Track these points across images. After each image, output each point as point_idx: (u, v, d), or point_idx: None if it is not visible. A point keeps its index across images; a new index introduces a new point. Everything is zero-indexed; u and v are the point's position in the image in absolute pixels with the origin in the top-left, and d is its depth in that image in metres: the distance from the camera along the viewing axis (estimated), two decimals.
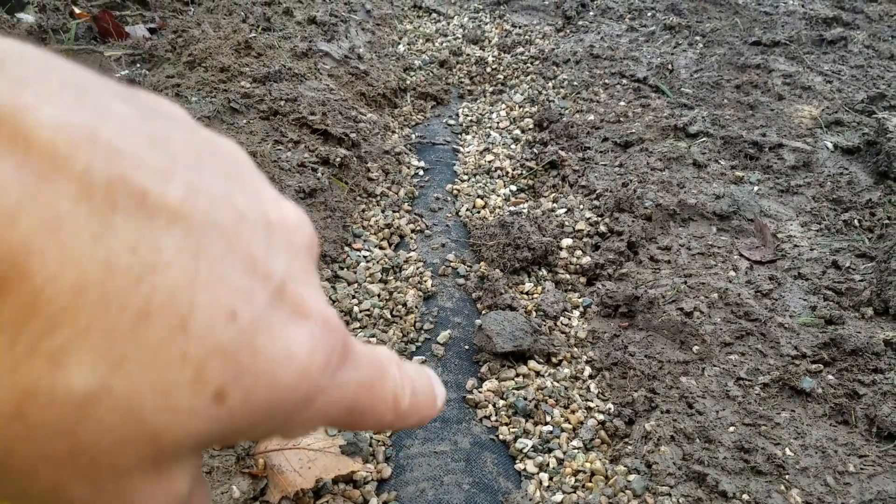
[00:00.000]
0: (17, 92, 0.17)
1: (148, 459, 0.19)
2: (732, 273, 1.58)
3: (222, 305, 0.19)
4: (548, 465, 1.19)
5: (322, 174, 1.79)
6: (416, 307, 1.54)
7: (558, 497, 1.13)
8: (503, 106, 2.53)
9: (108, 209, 0.17)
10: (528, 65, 2.83)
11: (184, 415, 0.19)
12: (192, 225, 0.19)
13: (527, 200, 2.00)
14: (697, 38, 2.95)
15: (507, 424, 1.27)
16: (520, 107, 2.51)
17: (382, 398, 0.25)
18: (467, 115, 2.48)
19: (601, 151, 2.13)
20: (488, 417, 1.28)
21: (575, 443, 1.24)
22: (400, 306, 1.54)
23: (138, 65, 2.15)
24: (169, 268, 0.18)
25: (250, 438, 0.22)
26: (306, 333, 0.21)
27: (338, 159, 1.86)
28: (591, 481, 1.17)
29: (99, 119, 0.18)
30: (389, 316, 1.51)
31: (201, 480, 0.24)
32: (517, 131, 2.35)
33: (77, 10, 2.50)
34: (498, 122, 2.42)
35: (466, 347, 1.45)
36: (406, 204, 1.92)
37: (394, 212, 1.88)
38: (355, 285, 1.59)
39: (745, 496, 1.08)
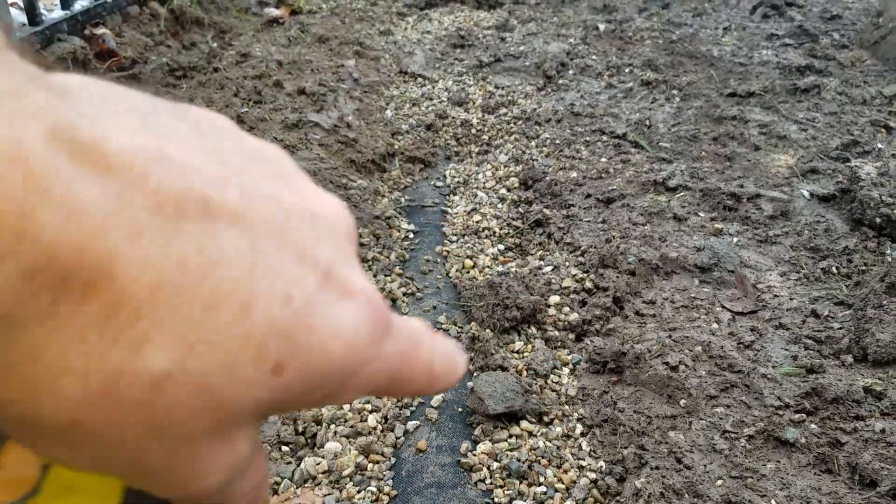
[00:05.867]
0: (93, 124, 0.20)
1: (215, 426, 0.23)
2: (715, 325, 1.63)
3: (279, 291, 0.22)
4: None
5: None
6: None
7: None
8: (489, 166, 2.61)
9: (179, 217, 0.21)
10: (512, 125, 2.92)
11: (246, 386, 0.22)
12: (248, 224, 0.22)
13: (514, 259, 2.05)
14: (674, 91, 3.05)
15: (501, 487, 1.30)
16: (505, 166, 2.59)
17: (420, 366, 0.28)
18: (454, 177, 2.55)
19: (584, 208, 2.19)
20: (483, 481, 1.31)
21: (568, 503, 1.26)
22: None
23: None
24: (231, 263, 0.22)
25: (305, 406, 0.25)
26: (352, 311, 0.25)
27: None
28: None
29: (163, 139, 0.22)
30: None
31: (260, 447, 0.27)
32: (503, 191, 2.42)
33: None
34: (484, 183, 2.49)
35: (460, 410, 1.48)
36: (397, 267, 1.97)
37: (385, 276, 1.92)
38: None
39: None
